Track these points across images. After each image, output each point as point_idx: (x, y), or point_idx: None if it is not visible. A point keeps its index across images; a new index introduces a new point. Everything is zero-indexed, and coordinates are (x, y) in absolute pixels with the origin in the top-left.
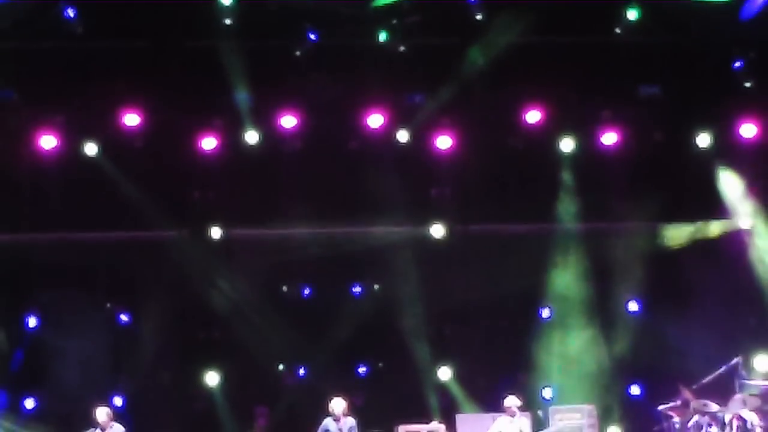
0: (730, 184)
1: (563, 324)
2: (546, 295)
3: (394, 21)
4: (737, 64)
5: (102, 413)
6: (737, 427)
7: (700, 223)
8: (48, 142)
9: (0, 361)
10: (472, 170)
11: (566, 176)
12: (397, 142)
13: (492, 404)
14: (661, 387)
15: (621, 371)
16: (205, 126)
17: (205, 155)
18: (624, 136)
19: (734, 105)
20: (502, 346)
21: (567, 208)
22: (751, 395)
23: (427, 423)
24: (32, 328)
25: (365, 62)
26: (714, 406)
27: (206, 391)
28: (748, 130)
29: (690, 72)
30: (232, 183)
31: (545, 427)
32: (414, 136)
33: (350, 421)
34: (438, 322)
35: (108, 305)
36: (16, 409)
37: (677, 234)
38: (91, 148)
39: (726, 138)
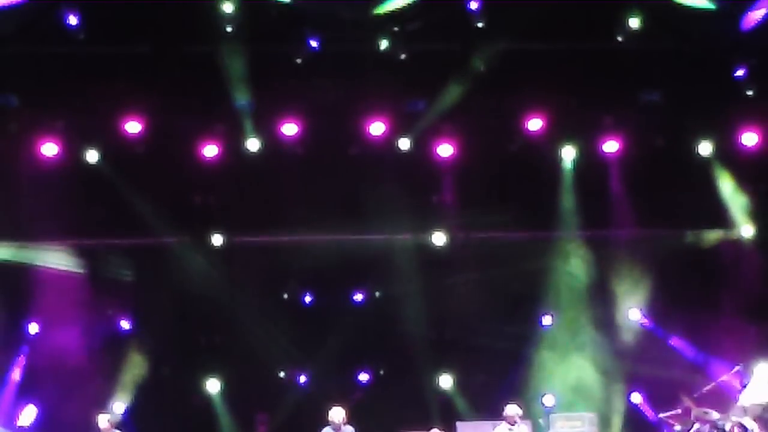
0: (731, 191)
1: (564, 331)
2: (547, 303)
3: (396, 27)
4: (739, 72)
5: (103, 420)
6: None
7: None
8: (49, 148)
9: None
10: (474, 177)
11: (567, 183)
12: (399, 149)
13: (493, 412)
14: (662, 395)
15: (622, 379)
16: (207, 132)
17: (206, 161)
18: (625, 143)
19: (736, 112)
20: (503, 354)
21: (568, 216)
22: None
23: (427, 430)
24: (33, 334)
25: (366, 69)
26: (715, 414)
27: (207, 398)
28: (749, 138)
29: (691, 79)
30: (234, 189)
31: None
32: (415, 143)
33: (349, 430)
34: (439, 329)
35: (109, 312)
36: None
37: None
38: (92, 154)
39: (727, 145)
